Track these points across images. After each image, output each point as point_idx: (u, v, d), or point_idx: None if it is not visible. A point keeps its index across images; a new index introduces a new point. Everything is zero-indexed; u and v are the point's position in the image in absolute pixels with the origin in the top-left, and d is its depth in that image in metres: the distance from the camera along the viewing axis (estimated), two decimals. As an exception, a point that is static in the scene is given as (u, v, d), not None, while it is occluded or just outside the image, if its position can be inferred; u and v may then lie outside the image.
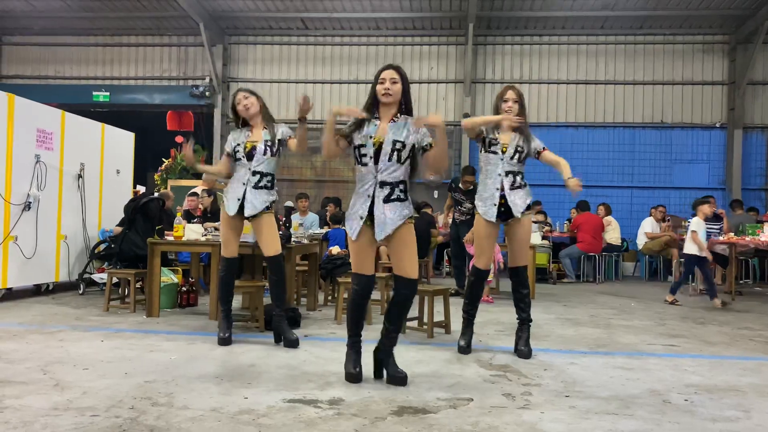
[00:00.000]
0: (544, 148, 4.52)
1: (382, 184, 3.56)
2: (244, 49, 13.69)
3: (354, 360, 3.69)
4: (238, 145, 4.67)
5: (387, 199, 3.55)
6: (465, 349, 4.51)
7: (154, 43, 13.86)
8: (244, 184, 4.62)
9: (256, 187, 4.63)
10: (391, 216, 3.55)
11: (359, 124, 3.63)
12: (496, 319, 6.07)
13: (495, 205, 4.38)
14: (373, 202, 3.56)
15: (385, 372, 3.68)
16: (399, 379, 3.59)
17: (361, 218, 3.58)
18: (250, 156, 4.62)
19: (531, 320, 4.57)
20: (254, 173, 4.63)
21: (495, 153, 4.40)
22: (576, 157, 12.84)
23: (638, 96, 12.95)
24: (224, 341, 4.60)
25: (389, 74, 3.62)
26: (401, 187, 3.59)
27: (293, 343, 4.57)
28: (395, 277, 3.65)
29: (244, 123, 4.77)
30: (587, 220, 10.50)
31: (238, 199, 4.62)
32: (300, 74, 13.45)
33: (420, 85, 13.09)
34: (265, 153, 4.64)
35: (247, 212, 4.63)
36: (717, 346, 5.04)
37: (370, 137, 3.58)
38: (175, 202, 8.92)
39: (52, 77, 13.96)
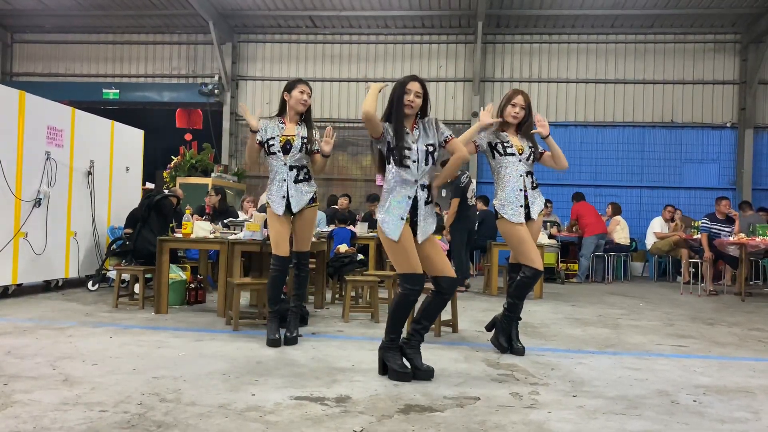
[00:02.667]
0: (543, 151, 4.57)
1: (423, 186, 3.71)
2: (254, 47, 13.72)
3: (399, 357, 3.71)
4: (272, 138, 4.64)
5: (427, 202, 3.73)
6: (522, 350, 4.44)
7: (163, 41, 13.92)
8: (284, 180, 4.63)
9: (296, 181, 4.66)
10: (430, 220, 3.75)
11: (400, 134, 3.68)
12: (503, 318, 6.04)
13: (521, 206, 4.39)
14: (415, 206, 3.68)
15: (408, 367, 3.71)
16: (428, 373, 3.67)
17: (402, 219, 3.64)
18: (285, 150, 4.63)
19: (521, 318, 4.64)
20: (291, 168, 4.64)
21: (513, 155, 4.41)
22: (585, 157, 12.82)
23: (648, 95, 12.87)
24: (274, 342, 4.51)
25: (415, 87, 3.76)
26: (428, 189, 3.77)
27: (291, 341, 4.57)
28: (436, 278, 3.72)
29: (279, 113, 4.77)
30: (583, 206, 10.70)
31: (284, 197, 4.63)
32: (309, 72, 13.45)
33: (428, 84, 13.04)
34: (300, 150, 4.65)
35: (295, 208, 4.65)
36: (726, 347, 5.01)
37: (413, 142, 3.70)
38: (184, 200, 8.94)
39: (62, 75, 14.04)
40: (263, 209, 8.38)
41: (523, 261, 4.42)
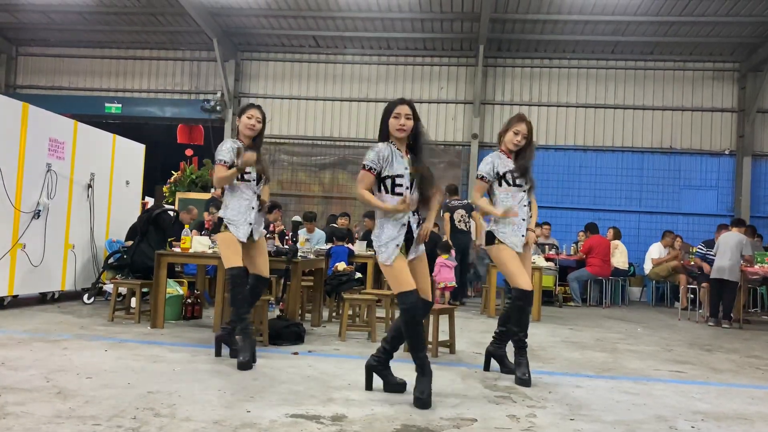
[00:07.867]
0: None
1: (414, 212, 3.71)
2: (256, 65, 13.82)
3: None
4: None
5: (418, 225, 3.73)
6: (527, 381, 4.18)
7: (167, 57, 14.02)
8: (253, 208, 4.59)
9: (259, 210, 4.65)
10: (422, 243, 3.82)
11: (389, 160, 3.67)
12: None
13: (523, 235, 4.37)
14: (409, 229, 3.68)
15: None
16: (401, 386, 3.81)
17: (398, 246, 3.63)
18: (259, 179, 4.63)
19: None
20: (258, 197, 4.65)
21: (520, 186, 4.38)
22: (584, 181, 12.86)
23: (647, 121, 12.95)
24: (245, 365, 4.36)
25: (404, 110, 3.69)
26: (418, 213, 3.78)
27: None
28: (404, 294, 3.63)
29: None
30: (598, 243, 10.45)
31: (250, 224, 4.58)
32: (311, 91, 13.54)
33: (429, 105, 13.15)
34: (263, 181, 4.70)
35: (256, 236, 4.64)
36: (724, 373, 4.98)
37: (405, 168, 3.69)
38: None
39: (66, 88, 14.11)
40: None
41: (512, 284, 4.36)
